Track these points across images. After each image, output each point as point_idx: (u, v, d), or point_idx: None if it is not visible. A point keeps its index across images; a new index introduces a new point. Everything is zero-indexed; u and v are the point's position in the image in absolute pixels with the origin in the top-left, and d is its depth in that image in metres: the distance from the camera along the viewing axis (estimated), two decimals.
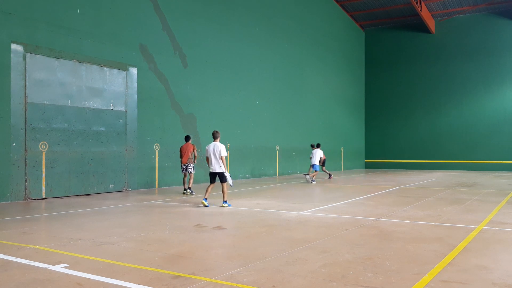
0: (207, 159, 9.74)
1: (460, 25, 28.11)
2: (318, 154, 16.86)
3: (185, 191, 12.65)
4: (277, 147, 21.13)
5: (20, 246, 5.76)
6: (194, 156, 12.67)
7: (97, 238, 6.29)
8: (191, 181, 12.76)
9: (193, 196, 12.12)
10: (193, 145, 12.73)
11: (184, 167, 12.56)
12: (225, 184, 9.71)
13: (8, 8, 10.79)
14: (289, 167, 21.98)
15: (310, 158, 17.32)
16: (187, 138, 12.79)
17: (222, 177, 9.69)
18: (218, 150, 9.60)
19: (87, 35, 12.58)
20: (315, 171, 17.02)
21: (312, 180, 16.82)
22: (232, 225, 7.41)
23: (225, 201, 9.77)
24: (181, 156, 12.65)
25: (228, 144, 17.97)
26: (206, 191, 9.93)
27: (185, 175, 12.72)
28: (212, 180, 9.83)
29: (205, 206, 9.65)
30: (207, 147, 9.82)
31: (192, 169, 12.61)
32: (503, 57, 26.81)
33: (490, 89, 27.22)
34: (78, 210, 9.35)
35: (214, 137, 9.77)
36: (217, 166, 9.62)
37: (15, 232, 6.82)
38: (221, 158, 9.58)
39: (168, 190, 13.91)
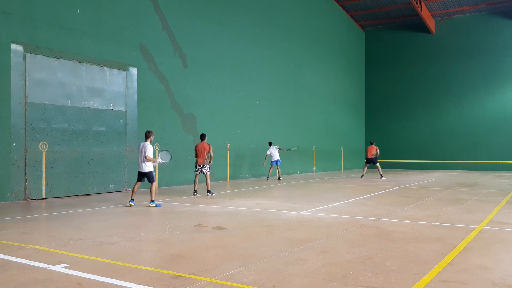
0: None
1: (460, 25, 28.10)
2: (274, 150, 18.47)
3: (195, 193, 12.20)
4: (277, 147, 21.11)
5: (20, 246, 5.76)
6: (210, 156, 12.08)
7: (97, 238, 6.29)
8: (208, 182, 12.25)
9: (213, 197, 11.90)
10: (208, 144, 12.16)
11: (199, 167, 12.07)
12: (153, 184, 9.81)
13: (8, 8, 10.79)
14: (289, 167, 21.98)
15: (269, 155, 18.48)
16: (202, 137, 12.27)
17: (149, 177, 9.82)
18: (144, 150, 9.76)
19: (87, 35, 12.58)
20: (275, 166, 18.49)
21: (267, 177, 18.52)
22: (232, 225, 7.41)
23: (153, 201, 9.76)
24: (196, 156, 12.13)
25: (228, 144, 17.97)
26: (133, 191, 10.01)
27: (197, 176, 12.29)
28: (140, 179, 9.94)
29: (132, 206, 9.83)
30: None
31: (207, 170, 12.09)
32: (503, 57, 26.80)
33: (490, 89, 27.22)
34: (78, 210, 9.35)
35: (146, 136, 9.92)
36: (144, 166, 9.78)
37: (15, 232, 6.82)
38: (146, 158, 9.71)
39: (169, 190, 13.91)
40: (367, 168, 20.82)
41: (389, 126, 30.44)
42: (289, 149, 19.81)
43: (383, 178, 19.21)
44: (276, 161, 18.25)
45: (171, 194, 12.53)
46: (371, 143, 20.10)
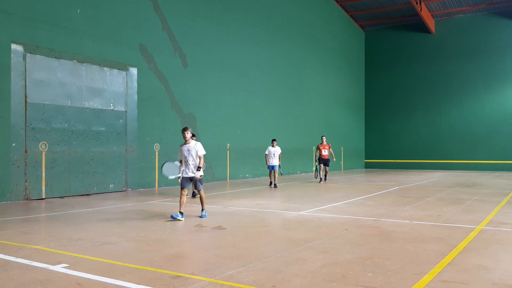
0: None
1: (460, 25, 28.10)
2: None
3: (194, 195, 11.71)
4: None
5: (20, 246, 5.76)
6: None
7: (97, 238, 6.29)
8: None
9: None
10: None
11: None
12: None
13: (8, 8, 10.78)
14: (289, 167, 21.98)
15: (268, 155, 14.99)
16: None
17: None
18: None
19: (87, 35, 12.58)
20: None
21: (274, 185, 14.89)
22: (232, 225, 7.41)
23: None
24: None
25: (228, 144, 17.97)
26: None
27: None
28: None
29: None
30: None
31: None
32: (503, 57, 26.80)
33: (490, 89, 27.22)
34: (78, 210, 9.35)
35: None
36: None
37: (15, 232, 6.82)
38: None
39: (168, 190, 13.91)
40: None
41: (389, 126, 30.44)
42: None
43: (322, 182, 16.87)
44: (273, 166, 14.92)
45: (170, 194, 12.53)
46: (323, 139, 17.12)
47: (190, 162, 8.11)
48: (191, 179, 8.15)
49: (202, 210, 8.29)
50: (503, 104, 26.82)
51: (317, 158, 17.28)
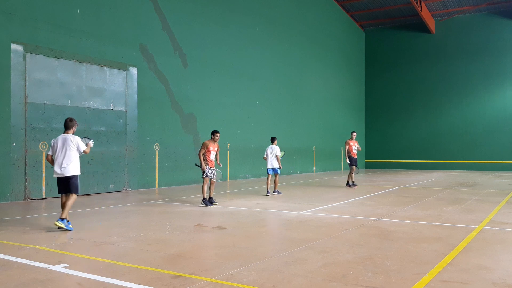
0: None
1: (460, 25, 28.10)
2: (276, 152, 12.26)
3: (204, 201, 9.92)
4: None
5: (20, 246, 5.76)
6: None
7: (97, 238, 6.29)
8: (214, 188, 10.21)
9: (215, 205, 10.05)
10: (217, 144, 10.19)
11: (211, 172, 9.84)
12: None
13: (8, 8, 10.79)
14: (289, 167, 21.97)
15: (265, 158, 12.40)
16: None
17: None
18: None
19: (87, 35, 12.58)
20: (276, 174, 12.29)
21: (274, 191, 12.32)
22: (232, 225, 7.41)
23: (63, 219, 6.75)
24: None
25: (228, 144, 17.96)
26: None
27: (206, 182, 9.82)
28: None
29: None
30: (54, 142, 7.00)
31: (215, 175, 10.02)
32: (504, 57, 26.80)
33: (490, 89, 27.22)
34: (78, 210, 9.34)
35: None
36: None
37: (15, 232, 6.82)
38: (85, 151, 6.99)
39: (168, 190, 13.91)
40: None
41: (389, 126, 30.44)
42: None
43: (356, 186, 14.68)
44: (274, 169, 12.19)
45: (170, 194, 12.53)
46: (354, 135, 14.88)
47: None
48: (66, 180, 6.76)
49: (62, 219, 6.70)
50: (503, 104, 26.82)
51: (347, 156, 14.56)
